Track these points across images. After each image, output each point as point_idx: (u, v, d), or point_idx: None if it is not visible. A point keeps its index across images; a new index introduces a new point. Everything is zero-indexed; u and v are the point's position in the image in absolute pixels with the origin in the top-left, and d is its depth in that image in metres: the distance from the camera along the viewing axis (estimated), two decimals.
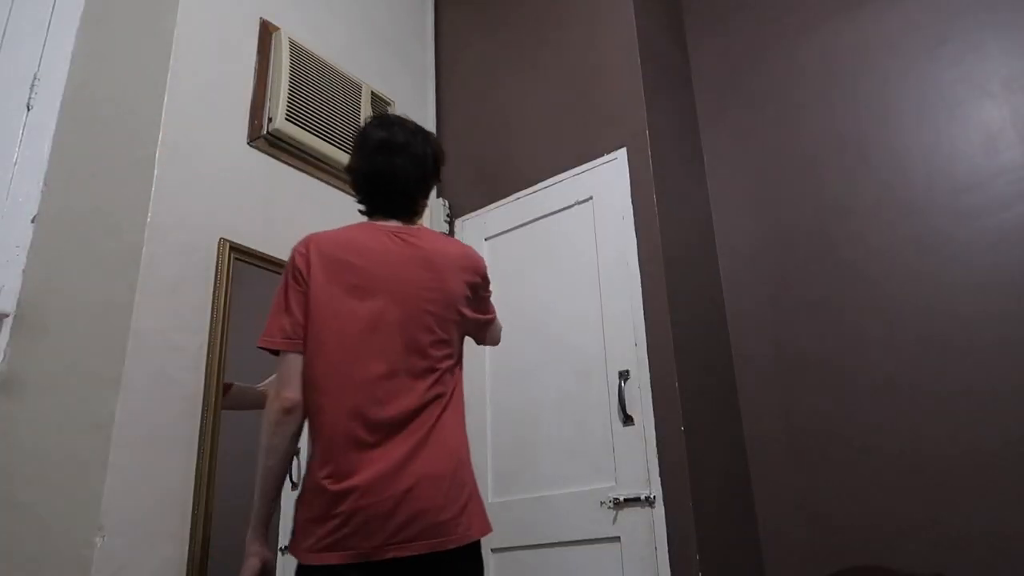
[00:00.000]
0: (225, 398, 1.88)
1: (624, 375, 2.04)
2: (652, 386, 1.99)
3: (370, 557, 1.23)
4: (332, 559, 1.24)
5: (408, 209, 1.51)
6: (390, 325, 1.36)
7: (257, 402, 1.93)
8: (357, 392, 1.32)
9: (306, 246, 1.42)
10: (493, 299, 1.61)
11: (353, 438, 1.29)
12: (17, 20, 2.02)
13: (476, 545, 1.34)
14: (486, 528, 1.36)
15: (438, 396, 1.36)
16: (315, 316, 1.36)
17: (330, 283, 1.38)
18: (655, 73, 2.40)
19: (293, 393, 1.33)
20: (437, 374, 1.37)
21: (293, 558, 1.31)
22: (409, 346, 1.36)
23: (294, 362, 1.35)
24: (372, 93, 2.44)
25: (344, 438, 1.29)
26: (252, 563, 1.33)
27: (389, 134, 1.49)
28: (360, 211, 1.53)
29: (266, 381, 1.87)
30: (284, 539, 1.95)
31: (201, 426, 1.69)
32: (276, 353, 1.38)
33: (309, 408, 1.35)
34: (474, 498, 1.36)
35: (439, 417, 1.35)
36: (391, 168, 1.47)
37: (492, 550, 2.15)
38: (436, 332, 1.39)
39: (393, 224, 1.48)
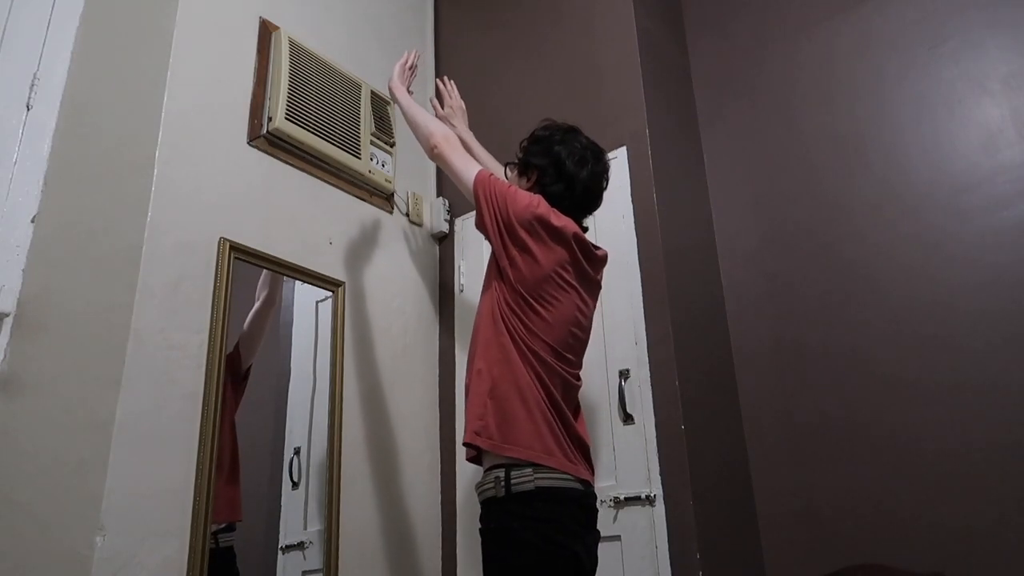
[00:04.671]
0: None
1: (624, 374, 2.04)
2: (652, 385, 1.99)
3: None
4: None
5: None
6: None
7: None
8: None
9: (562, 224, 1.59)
10: None
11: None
12: (17, 20, 2.02)
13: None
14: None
15: None
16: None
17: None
18: (655, 73, 2.39)
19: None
20: None
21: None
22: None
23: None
24: (372, 92, 2.44)
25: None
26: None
27: (601, 155, 1.73)
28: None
29: None
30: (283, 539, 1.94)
31: (201, 426, 1.69)
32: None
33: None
34: None
35: None
36: (601, 190, 1.72)
37: None
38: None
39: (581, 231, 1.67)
